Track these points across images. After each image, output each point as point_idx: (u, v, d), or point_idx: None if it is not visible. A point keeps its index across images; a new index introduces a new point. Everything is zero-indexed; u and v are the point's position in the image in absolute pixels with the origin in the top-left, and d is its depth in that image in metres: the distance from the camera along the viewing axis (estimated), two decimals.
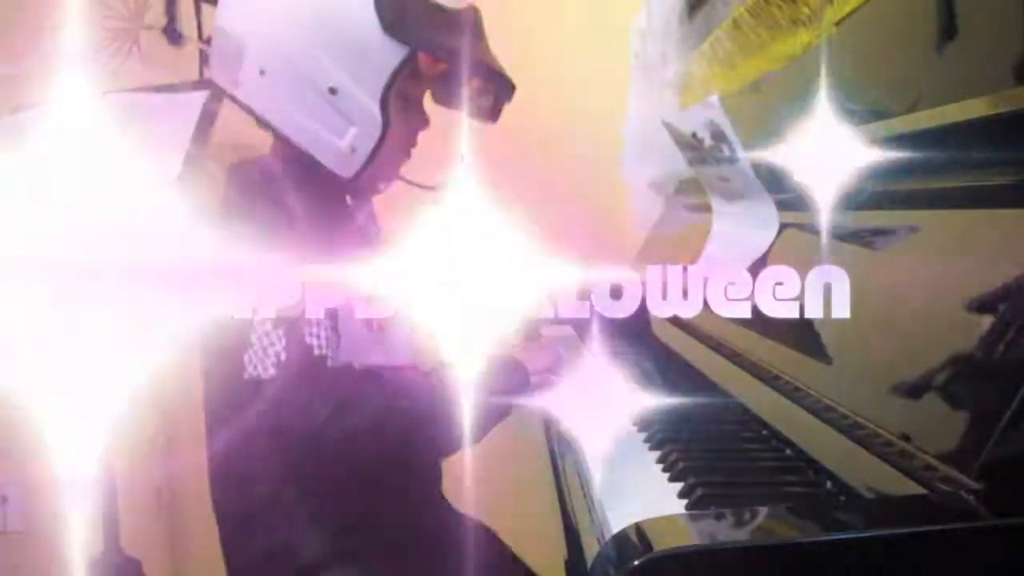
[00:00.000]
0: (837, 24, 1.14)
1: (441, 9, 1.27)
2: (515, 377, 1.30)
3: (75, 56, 2.33)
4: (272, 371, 1.17)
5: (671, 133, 1.35)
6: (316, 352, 1.19)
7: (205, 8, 2.36)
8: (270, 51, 1.25)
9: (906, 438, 0.76)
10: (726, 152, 1.22)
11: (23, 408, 2.41)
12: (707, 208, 1.48)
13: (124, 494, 2.25)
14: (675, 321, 1.54)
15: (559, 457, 1.24)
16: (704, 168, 1.36)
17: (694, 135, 1.28)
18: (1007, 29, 0.82)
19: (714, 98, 1.18)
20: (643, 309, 1.77)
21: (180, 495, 2.47)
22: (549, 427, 1.37)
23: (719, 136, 1.21)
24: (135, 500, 2.39)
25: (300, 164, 1.28)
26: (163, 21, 2.39)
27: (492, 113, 1.40)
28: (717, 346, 1.30)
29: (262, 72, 1.25)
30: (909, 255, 0.91)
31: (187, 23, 2.38)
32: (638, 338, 1.77)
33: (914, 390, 0.80)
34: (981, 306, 0.75)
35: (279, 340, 1.17)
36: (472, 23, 1.32)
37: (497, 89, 1.36)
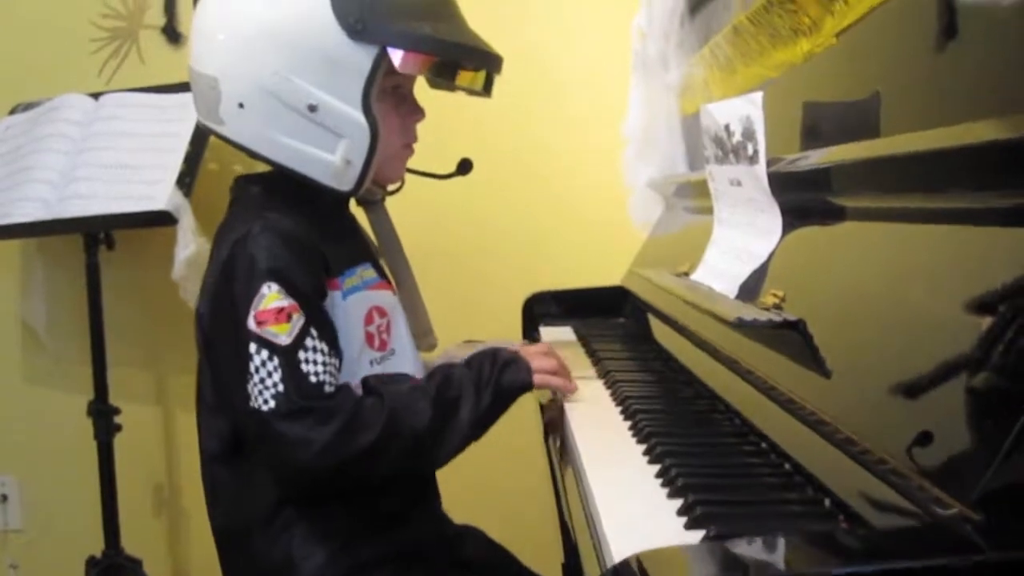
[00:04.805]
0: (838, 36, 1.13)
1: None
2: (520, 372, 1.30)
3: (74, 56, 2.33)
4: (272, 403, 1.16)
5: (705, 121, 1.35)
6: (313, 380, 1.18)
7: None
8: (243, 84, 1.24)
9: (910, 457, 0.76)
10: (750, 151, 1.22)
11: (24, 408, 2.42)
12: (708, 210, 1.48)
13: (125, 492, 2.26)
14: (675, 326, 1.53)
15: (557, 467, 1.24)
16: (719, 168, 1.35)
17: (727, 127, 1.27)
18: (1009, 51, 0.82)
19: (758, 95, 1.18)
20: (642, 314, 1.78)
21: (181, 494, 2.48)
22: (548, 435, 1.37)
23: (749, 134, 1.21)
24: (136, 499, 2.40)
25: (301, 183, 1.28)
26: (162, 20, 2.39)
27: (485, 88, 1.38)
28: (715, 352, 1.30)
29: (241, 106, 1.25)
30: (912, 272, 0.91)
31: (186, 22, 2.38)
32: (639, 341, 1.77)
33: (913, 411, 0.80)
34: (984, 329, 0.75)
35: (276, 371, 1.16)
36: (441, 2, 1.31)
37: (484, 64, 1.33)
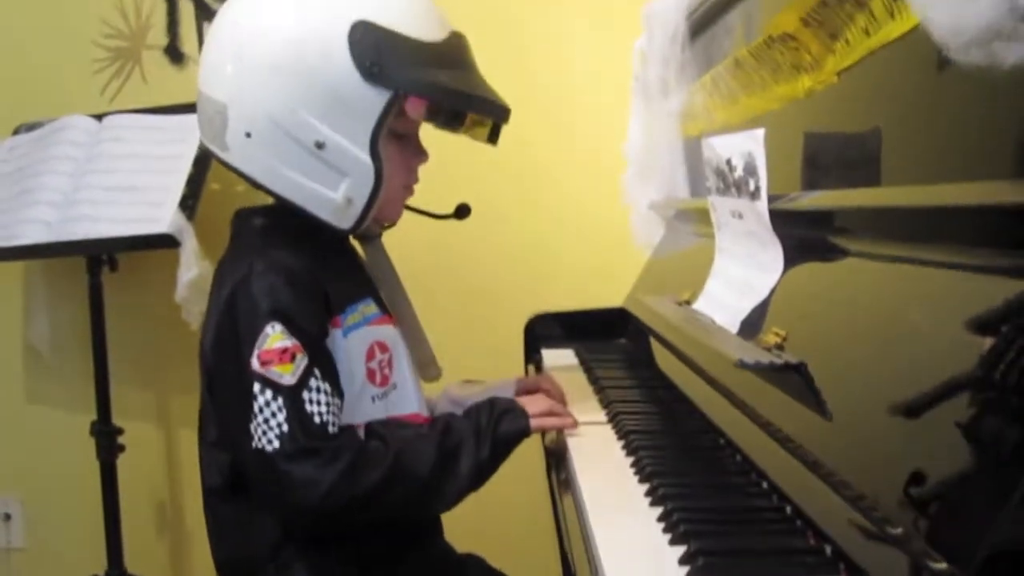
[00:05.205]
0: (839, 74, 1.14)
1: (421, 45, 1.25)
2: (516, 419, 1.31)
3: (78, 76, 2.34)
4: (276, 443, 1.16)
5: (707, 153, 1.36)
6: (317, 420, 1.18)
7: (207, 28, 2.36)
8: (252, 114, 1.23)
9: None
10: (751, 187, 1.22)
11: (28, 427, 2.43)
12: (709, 234, 1.48)
13: (127, 512, 2.26)
14: (678, 355, 1.53)
15: (559, 502, 1.24)
16: (722, 200, 1.36)
17: (728, 161, 1.28)
18: (1007, 98, 0.82)
19: (759, 132, 1.18)
20: (645, 338, 1.78)
21: (184, 514, 2.48)
22: (550, 468, 1.38)
23: (751, 169, 1.22)
24: (139, 519, 2.40)
25: (301, 217, 1.28)
26: (165, 40, 2.39)
27: (491, 136, 1.40)
28: (716, 383, 1.30)
29: (248, 135, 1.24)
30: (916, 315, 0.91)
31: (189, 43, 2.39)
32: (641, 367, 1.77)
33: (915, 459, 0.80)
34: (990, 378, 0.75)
35: (280, 411, 1.17)
36: (457, 51, 1.31)
37: (493, 115, 1.34)
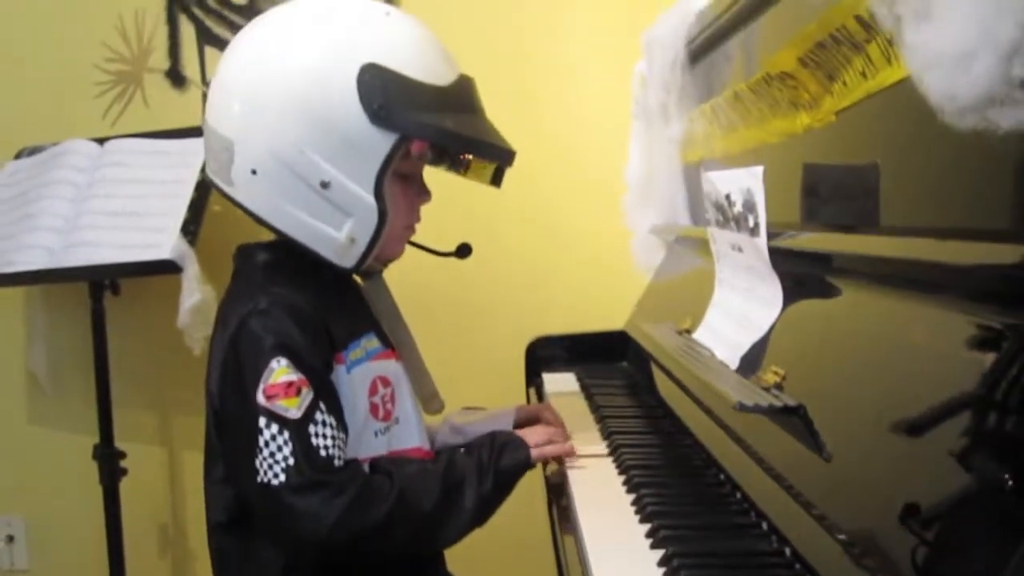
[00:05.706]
0: (837, 114, 1.14)
1: (428, 88, 1.26)
2: (518, 451, 1.32)
3: (79, 99, 2.34)
4: (282, 477, 1.17)
5: (706, 187, 1.36)
6: (323, 453, 1.19)
7: (209, 51, 2.37)
8: (259, 152, 1.24)
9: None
10: (751, 222, 1.23)
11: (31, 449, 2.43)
12: (709, 260, 1.49)
13: (130, 534, 2.27)
14: (678, 384, 1.54)
15: (560, 539, 1.25)
16: (722, 233, 1.37)
17: (728, 196, 1.29)
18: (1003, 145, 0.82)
19: (759, 169, 1.19)
20: (645, 364, 1.79)
21: (186, 536, 2.49)
22: (551, 503, 1.38)
23: (750, 206, 1.22)
24: (141, 540, 2.41)
25: (303, 254, 1.28)
26: (166, 64, 2.40)
27: (494, 178, 1.41)
28: (715, 416, 1.30)
29: (253, 172, 1.24)
30: (914, 356, 0.91)
31: (190, 66, 2.39)
32: (642, 392, 1.78)
33: (911, 505, 0.80)
34: (992, 421, 0.75)
35: (286, 444, 1.17)
36: (464, 95, 1.32)
37: (499, 159, 1.35)
